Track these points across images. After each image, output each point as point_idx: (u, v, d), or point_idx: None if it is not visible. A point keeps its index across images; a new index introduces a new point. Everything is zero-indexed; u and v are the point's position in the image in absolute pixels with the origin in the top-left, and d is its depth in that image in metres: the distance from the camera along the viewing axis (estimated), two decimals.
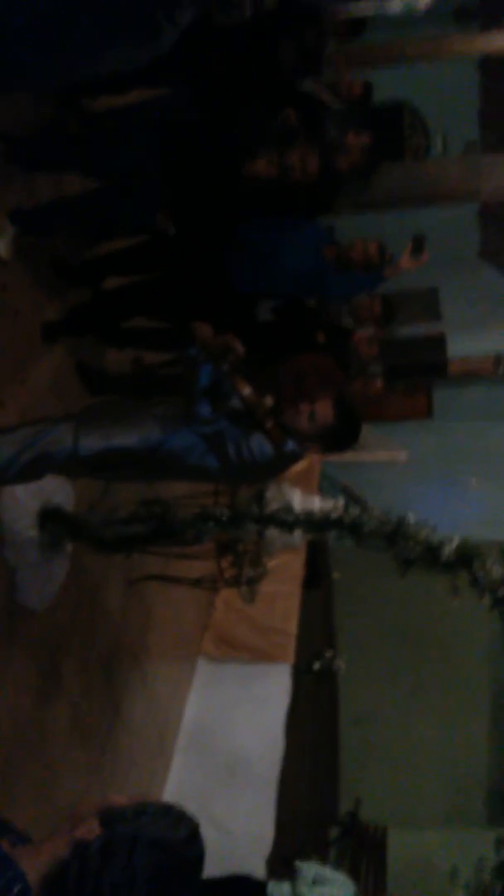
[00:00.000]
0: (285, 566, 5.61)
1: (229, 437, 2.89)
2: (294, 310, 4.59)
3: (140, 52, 1.16)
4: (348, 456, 6.15)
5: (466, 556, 4.27)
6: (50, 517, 3.58)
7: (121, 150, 3.41)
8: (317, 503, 4.32)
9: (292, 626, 5.83)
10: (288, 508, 4.08)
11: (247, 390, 2.92)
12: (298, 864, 4.02)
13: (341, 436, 3.25)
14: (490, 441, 8.76)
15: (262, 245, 4.07)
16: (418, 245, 4.40)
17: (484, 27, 7.39)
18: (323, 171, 3.66)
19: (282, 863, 4.91)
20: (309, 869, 3.96)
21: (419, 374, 8.09)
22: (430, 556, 4.22)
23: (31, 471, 3.14)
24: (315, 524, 4.03)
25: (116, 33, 1.10)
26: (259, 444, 2.91)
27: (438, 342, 8.22)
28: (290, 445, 3.13)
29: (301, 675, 5.83)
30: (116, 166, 3.43)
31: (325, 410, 3.09)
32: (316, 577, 6.60)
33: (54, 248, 3.79)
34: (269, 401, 2.96)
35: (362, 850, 7.16)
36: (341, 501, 4.44)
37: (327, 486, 7.12)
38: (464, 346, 8.61)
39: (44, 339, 3.77)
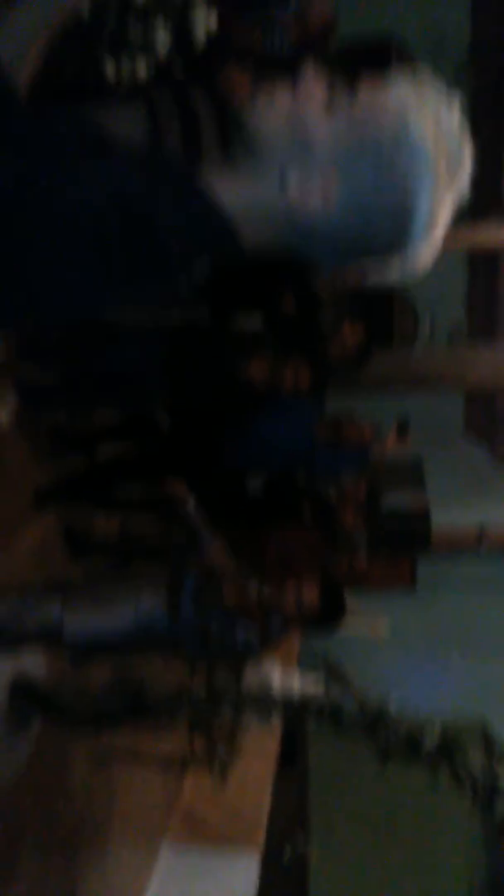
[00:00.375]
0: (259, 743, 5.39)
1: (213, 626, 2.86)
2: (282, 484, 4.65)
3: (149, 298, 1.20)
4: None
5: (448, 747, 4.15)
6: (20, 691, 3.47)
7: (122, 354, 3.52)
8: (296, 681, 4.22)
9: (263, 811, 5.53)
10: (267, 690, 3.98)
11: (233, 598, 2.91)
12: None
13: (325, 619, 3.23)
14: (473, 615, 8.69)
15: (254, 421, 4.16)
16: (403, 427, 4.52)
17: (473, 220, 7.91)
18: (316, 370, 3.80)
19: None
20: None
21: (403, 545, 8.09)
22: (411, 747, 4.10)
23: (10, 643, 3.08)
24: (294, 709, 3.93)
25: (127, 280, 1.14)
26: (243, 635, 2.88)
27: (422, 512, 8.28)
28: (275, 627, 3.11)
29: (269, 864, 5.48)
30: (117, 367, 3.54)
31: (310, 594, 3.09)
32: (291, 754, 6.34)
33: (52, 417, 3.86)
34: (253, 589, 2.95)
35: None
36: (322, 680, 4.34)
37: (307, 657, 6.97)
38: (447, 517, 8.67)
39: (34, 506, 3.78)
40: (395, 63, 6.66)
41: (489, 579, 8.76)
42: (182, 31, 2.41)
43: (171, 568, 3.01)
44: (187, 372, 3.64)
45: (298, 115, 1.11)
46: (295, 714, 3.91)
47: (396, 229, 1.12)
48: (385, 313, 5.86)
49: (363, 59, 5.50)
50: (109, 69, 2.23)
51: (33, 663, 3.64)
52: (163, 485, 3.52)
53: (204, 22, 2.47)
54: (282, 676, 4.20)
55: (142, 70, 2.29)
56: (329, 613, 3.20)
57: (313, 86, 1.12)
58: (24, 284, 1.07)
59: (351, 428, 4.36)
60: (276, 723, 4.89)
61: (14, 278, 1.07)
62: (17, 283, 1.07)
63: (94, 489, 4.11)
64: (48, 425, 3.87)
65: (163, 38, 2.32)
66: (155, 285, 1.14)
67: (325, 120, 1.11)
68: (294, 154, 1.11)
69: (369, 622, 7.80)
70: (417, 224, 1.12)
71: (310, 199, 1.10)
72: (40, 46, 1.17)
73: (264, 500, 4.58)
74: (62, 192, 1.06)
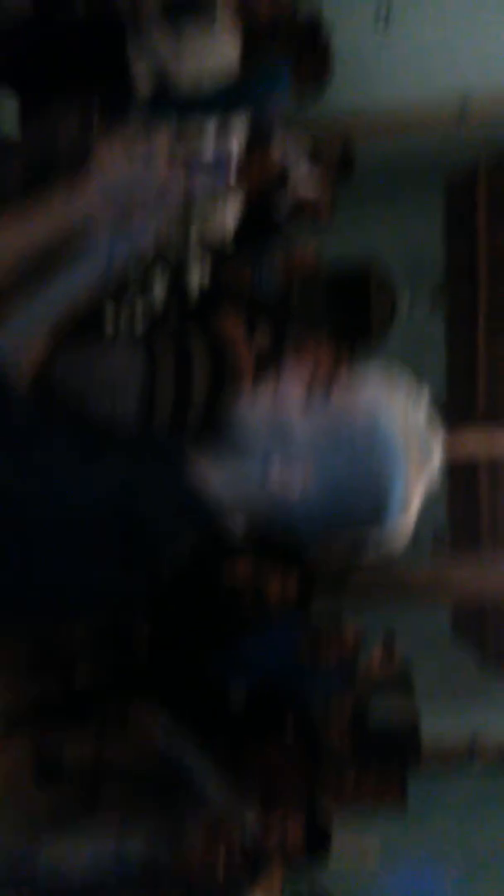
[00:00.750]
0: None
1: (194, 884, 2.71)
2: (265, 699, 4.53)
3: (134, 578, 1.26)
4: None
5: None
6: None
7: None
8: None
9: None
10: None
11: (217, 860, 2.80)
12: None
13: (310, 854, 3.10)
14: (468, 835, 8.20)
15: (237, 634, 4.11)
16: (389, 643, 4.48)
17: (451, 430, 8.18)
18: (301, 581, 3.82)
19: None
20: None
21: (392, 759, 7.75)
22: None
23: None
24: None
25: (113, 567, 1.18)
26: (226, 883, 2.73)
27: (412, 724, 7.98)
28: (259, 867, 2.96)
29: None
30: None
31: (295, 832, 2.97)
32: None
33: (26, 635, 3.79)
34: (236, 833, 2.82)
35: None
36: None
37: (291, 884, 6.49)
38: (437, 728, 8.37)
39: (4, 730, 3.64)
40: (374, 287, 7.14)
41: (484, 796, 8.33)
42: (177, 284, 2.61)
43: (148, 810, 2.88)
44: (169, 586, 3.63)
45: (279, 411, 1.22)
46: None
47: (373, 514, 1.24)
48: None
49: (345, 286, 5.90)
50: (108, 321, 2.39)
51: None
52: (132, 710, 3.44)
53: (198, 275, 2.67)
54: None
55: (139, 320, 2.46)
56: (314, 850, 3.06)
57: (292, 386, 1.22)
58: (12, 575, 1.11)
59: (334, 641, 4.31)
60: None
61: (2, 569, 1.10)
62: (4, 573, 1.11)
63: (68, 711, 3.98)
64: (22, 643, 3.79)
65: (159, 290, 2.51)
66: (141, 567, 1.18)
67: (304, 417, 1.23)
68: (275, 447, 1.22)
69: (358, 847, 7.33)
70: (392, 509, 1.22)
71: (290, 487, 1.18)
72: (47, 336, 1.26)
73: (246, 715, 4.45)
74: (55, 491, 1.12)
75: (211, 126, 2.98)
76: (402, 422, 1.23)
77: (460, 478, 7.38)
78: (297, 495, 1.20)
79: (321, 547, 3.99)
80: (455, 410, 8.75)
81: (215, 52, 3.41)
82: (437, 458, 1.26)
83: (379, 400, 1.23)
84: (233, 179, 1.64)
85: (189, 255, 2.74)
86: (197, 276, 2.76)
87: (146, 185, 1.28)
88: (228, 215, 2.92)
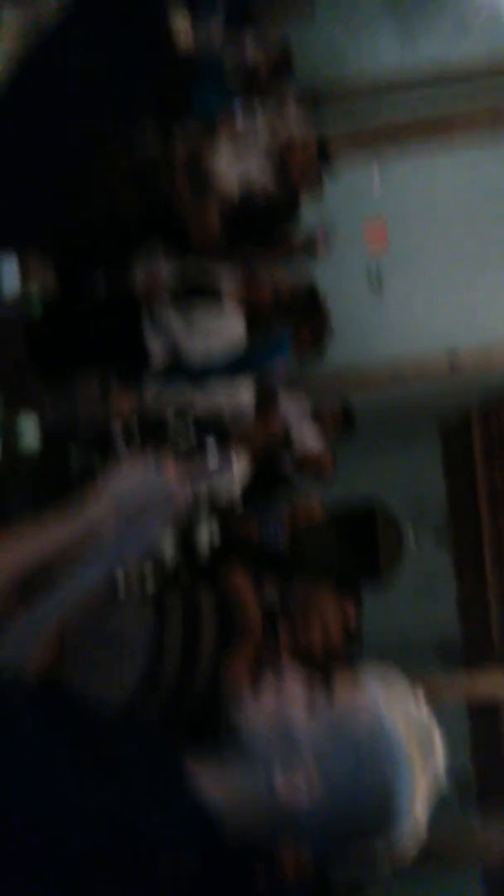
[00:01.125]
0: None
1: None
2: None
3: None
4: None
5: None
6: None
7: None
8: None
9: None
10: None
11: None
12: None
13: None
14: None
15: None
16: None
17: (468, 669, 7.94)
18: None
19: None
20: None
21: None
22: None
23: None
24: None
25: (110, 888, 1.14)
26: None
27: None
28: None
29: None
30: None
31: None
32: None
33: None
34: None
35: None
36: None
37: None
38: None
39: None
40: (380, 524, 7.25)
41: None
42: (187, 543, 2.70)
43: None
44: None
45: (283, 715, 1.22)
46: None
47: (380, 814, 1.19)
48: None
49: (352, 524, 6.01)
50: (119, 584, 2.45)
51: None
52: None
53: (207, 533, 2.77)
54: None
55: (150, 583, 2.52)
56: None
57: (295, 688, 1.24)
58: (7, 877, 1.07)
59: None
60: None
61: None
62: None
63: None
64: None
65: (169, 550, 2.59)
66: (140, 880, 1.13)
67: (308, 719, 1.21)
68: (280, 751, 1.20)
69: None
70: (400, 808, 1.18)
71: (297, 795, 1.16)
72: (56, 632, 1.31)
73: None
74: (53, 800, 1.09)
75: (212, 439, 3.23)
76: (403, 719, 1.21)
77: (481, 720, 7.10)
78: (305, 804, 1.16)
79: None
80: (471, 650, 8.55)
81: (222, 329, 3.74)
82: (440, 756, 1.23)
83: (380, 698, 1.22)
84: (237, 482, 1.77)
85: (198, 517, 2.85)
86: (206, 535, 2.85)
87: (155, 493, 1.38)
88: (236, 479, 3.07)
